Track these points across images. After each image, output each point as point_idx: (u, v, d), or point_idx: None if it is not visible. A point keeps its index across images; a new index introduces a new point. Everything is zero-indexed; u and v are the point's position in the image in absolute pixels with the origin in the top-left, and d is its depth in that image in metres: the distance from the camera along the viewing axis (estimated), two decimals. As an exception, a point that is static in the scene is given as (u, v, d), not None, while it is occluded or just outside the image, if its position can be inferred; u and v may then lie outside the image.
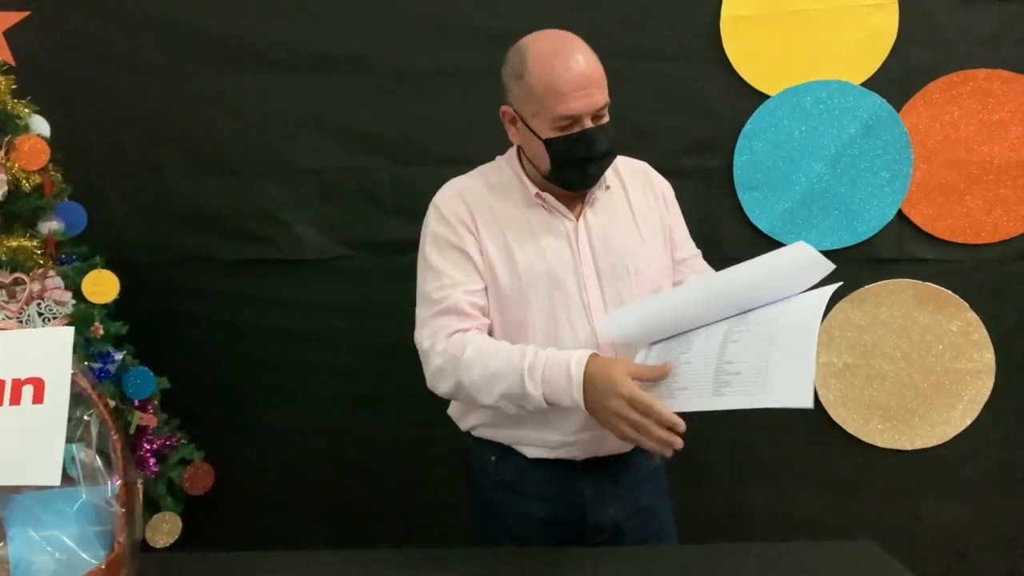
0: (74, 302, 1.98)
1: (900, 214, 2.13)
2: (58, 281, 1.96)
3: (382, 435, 2.29)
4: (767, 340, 1.11)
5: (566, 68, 1.29)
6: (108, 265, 2.06)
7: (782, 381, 1.06)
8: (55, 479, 0.81)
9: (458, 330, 1.35)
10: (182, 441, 2.21)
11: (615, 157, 1.41)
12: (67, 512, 0.86)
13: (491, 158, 2.20)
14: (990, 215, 2.10)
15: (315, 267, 2.25)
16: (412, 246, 2.19)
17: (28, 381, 0.86)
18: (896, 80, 2.10)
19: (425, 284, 1.42)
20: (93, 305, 2.01)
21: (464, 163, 2.16)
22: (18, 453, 0.81)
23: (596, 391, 1.18)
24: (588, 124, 1.31)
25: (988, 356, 2.13)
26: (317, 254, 2.24)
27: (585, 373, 1.20)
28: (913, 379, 2.16)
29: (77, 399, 0.91)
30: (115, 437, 0.91)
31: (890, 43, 2.08)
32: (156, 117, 2.22)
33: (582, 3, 2.14)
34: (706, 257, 1.93)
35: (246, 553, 1.32)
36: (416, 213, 2.17)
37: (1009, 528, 2.18)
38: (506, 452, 1.45)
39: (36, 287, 1.91)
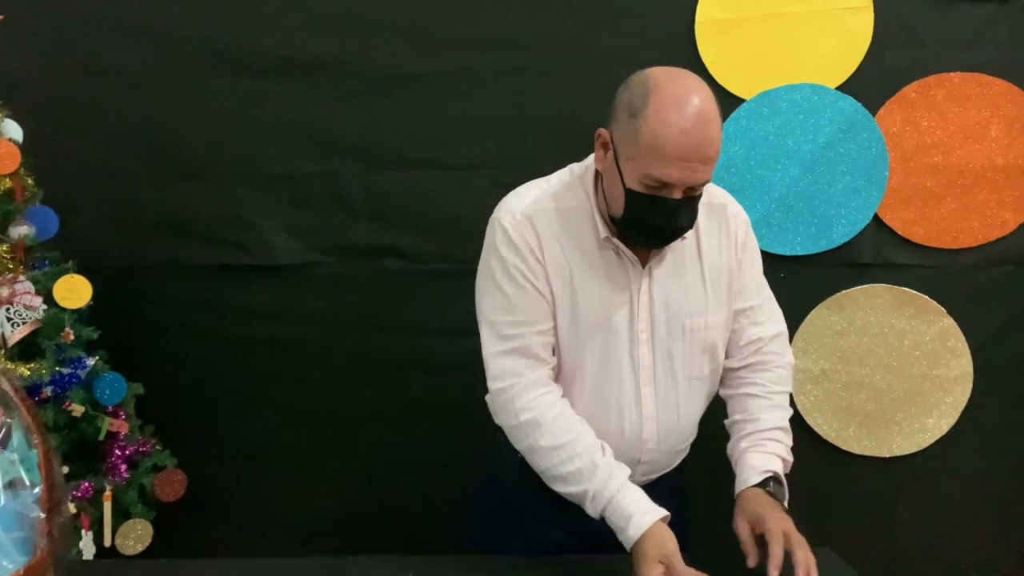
0: (45, 307, 1.98)
1: (877, 219, 2.11)
2: (28, 286, 1.95)
3: (353, 446, 2.28)
4: None
5: (681, 131, 1.14)
6: (80, 270, 2.06)
7: None
8: (-34, 483, 0.80)
9: (533, 384, 1.30)
10: (156, 447, 2.20)
11: (688, 230, 1.28)
12: (-16, 518, 0.85)
13: (464, 162, 2.22)
14: (967, 220, 2.08)
15: (288, 272, 2.24)
16: (386, 252, 2.23)
17: (-55, 384, 0.85)
18: (871, 83, 2.08)
19: (495, 312, 1.32)
20: (64, 310, 2.00)
21: (436, 167, 2.19)
22: (-71, 457, 0.80)
23: (638, 555, 1.18)
24: (677, 195, 1.19)
25: (966, 363, 2.10)
26: (289, 259, 2.23)
27: (638, 538, 1.19)
28: (891, 385, 2.14)
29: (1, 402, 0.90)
30: (38, 442, 0.90)
31: (865, 46, 2.07)
32: (128, 122, 2.23)
33: (555, 6, 2.14)
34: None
35: (213, 560, 1.30)
36: (388, 219, 2.22)
37: (989, 537, 2.15)
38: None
39: (5, 292, 1.90)
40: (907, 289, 2.11)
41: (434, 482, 2.18)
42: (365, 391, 2.23)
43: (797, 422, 2.16)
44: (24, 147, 1.98)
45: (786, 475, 1.39)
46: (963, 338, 2.10)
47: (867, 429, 2.16)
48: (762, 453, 1.36)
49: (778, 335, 1.46)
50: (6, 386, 0.89)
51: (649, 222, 1.22)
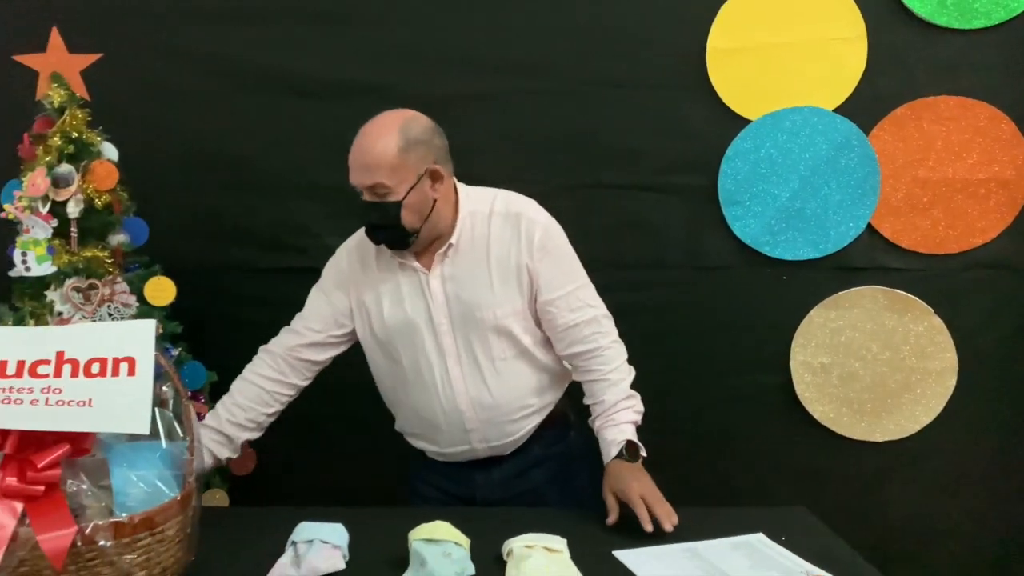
0: (138, 304, 2.26)
1: (870, 227, 2.33)
2: (124, 286, 2.24)
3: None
4: None
5: (353, 148, 1.59)
6: (165, 272, 2.33)
7: None
8: (145, 429, 1.09)
9: (271, 351, 1.82)
10: (227, 428, 2.49)
11: (395, 232, 1.58)
12: (152, 458, 1.14)
13: (496, 177, 2.45)
14: (952, 228, 2.30)
15: (343, 274, 2.52)
16: None
17: (124, 359, 1.14)
18: (865, 106, 2.30)
19: None
20: (153, 307, 2.29)
21: (472, 181, 2.40)
22: (119, 411, 1.09)
23: None
24: (366, 196, 1.58)
25: (951, 357, 2.32)
26: (343, 262, 2.51)
27: None
28: (883, 377, 2.36)
29: (158, 374, 1.19)
30: (185, 403, 1.19)
31: (859, 72, 2.28)
32: (204, 141, 2.49)
33: (579, 36, 2.37)
34: (691, 266, 2.19)
35: (281, 508, 1.60)
36: None
37: (970, 513, 2.37)
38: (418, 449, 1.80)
39: (107, 291, 2.20)
40: (897, 290, 2.33)
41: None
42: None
43: (798, 410, 2.42)
44: (119, 165, 2.28)
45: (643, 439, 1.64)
46: (948, 334, 2.32)
47: (861, 416, 2.38)
48: (613, 427, 1.62)
49: (593, 318, 1.66)
50: (163, 362, 1.19)
51: (362, 219, 1.62)
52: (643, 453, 1.59)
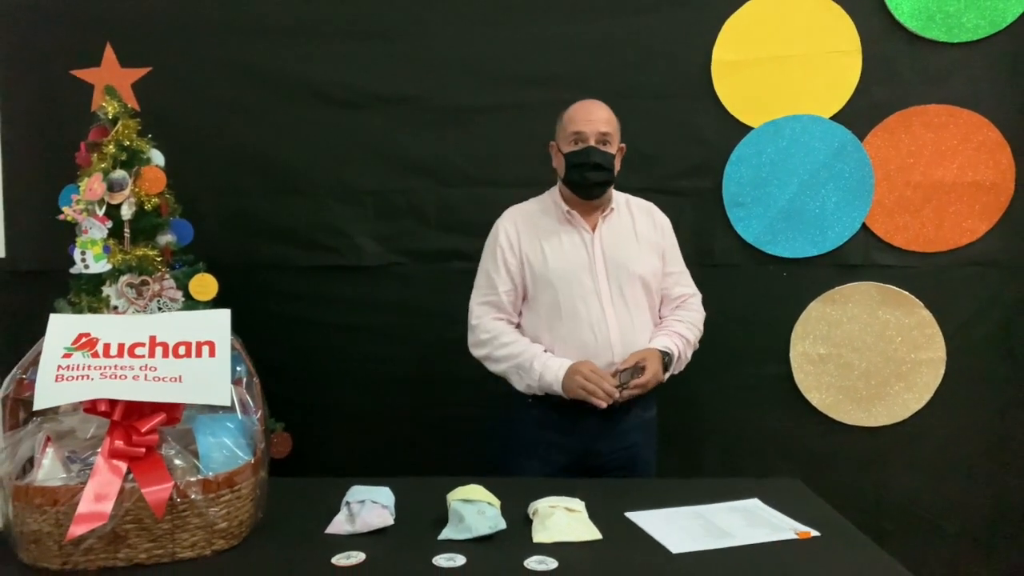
0: (184, 299, 2.45)
1: (864, 227, 2.49)
2: (171, 283, 2.42)
3: (425, 413, 2.72)
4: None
5: (581, 107, 2.02)
6: (208, 270, 2.51)
7: None
8: (227, 402, 1.27)
9: (498, 318, 2.02)
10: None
11: (610, 174, 1.99)
12: (229, 428, 1.32)
13: (518, 181, 2.66)
14: (941, 228, 2.46)
15: (373, 272, 2.69)
16: (453, 255, 2.68)
17: (205, 343, 1.32)
18: (860, 114, 2.47)
19: (480, 277, 2.09)
20: (197, 302, 2.47)
21: (496, 185, 2.63)
22: (205, 386, 1.27)
23: (572, 370, 1.88)
24: (591, 141, 1.95)
25: (939, 348, 2.48)
26: (374, 261, 2.69)
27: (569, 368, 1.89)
28: (876, 367, 2.53)
29: (233, 356, 1.38)
30: (256, 382, 1.37)
31: (854, 83, 2.46)
32: (243, 148, 2.68)
33: (595, 50, 2.56)
34: (699, 263, 2.37)
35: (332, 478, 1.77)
36: (456, 227, 2.67)
37: (958, 492, 2.53)
38: (538, 398, 1.97)
39: (156, 287, 2.39)
40: (890, 286, 2.50)
41: (491, 433, 2.59)
42: (435, 367, 2.67)
43: (799, 398, 2.58)
44: (166, 171, 2.45)
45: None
46: (937, 327, 2.48)
47: (856, 403, 2.55)
48: (667, 336, 2.01)
49: (694, 294, 2.16)
50: (237, 345, 1.37)
51: (577, 161, 1.94)
52: (669, 370, 1.97)
